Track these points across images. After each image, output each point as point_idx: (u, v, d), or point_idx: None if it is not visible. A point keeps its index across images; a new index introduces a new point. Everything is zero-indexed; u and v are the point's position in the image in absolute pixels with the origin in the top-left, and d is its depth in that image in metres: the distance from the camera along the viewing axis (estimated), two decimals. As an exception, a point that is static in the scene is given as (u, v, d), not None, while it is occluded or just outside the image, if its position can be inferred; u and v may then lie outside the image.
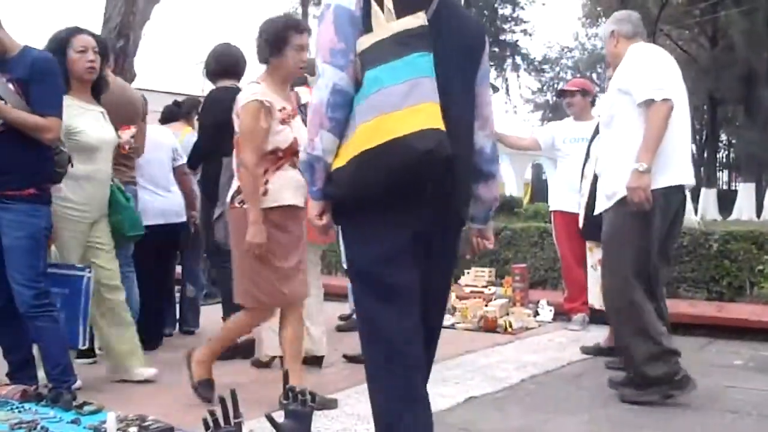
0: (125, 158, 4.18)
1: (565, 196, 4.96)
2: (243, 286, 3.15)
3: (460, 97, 2.01)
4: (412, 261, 1.96)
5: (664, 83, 3.27)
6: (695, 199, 7.33)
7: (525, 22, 31.65)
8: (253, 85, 3.20)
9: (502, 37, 32.14)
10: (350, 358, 3.97)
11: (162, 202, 4.55)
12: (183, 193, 4.76)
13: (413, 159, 1.79)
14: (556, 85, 33.99)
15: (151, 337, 4.22)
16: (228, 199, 3.20)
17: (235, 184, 3.17)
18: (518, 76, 33.91)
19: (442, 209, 1.99)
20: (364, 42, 1.90)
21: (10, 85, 3.03)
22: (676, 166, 3.33)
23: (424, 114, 1.81)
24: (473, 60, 2.10)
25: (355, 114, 1.89)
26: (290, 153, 3.13)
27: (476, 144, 2.13)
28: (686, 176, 3.42)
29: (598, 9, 29.47)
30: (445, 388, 3.48)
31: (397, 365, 1.95)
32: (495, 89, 34.46)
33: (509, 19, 32.37)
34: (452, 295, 5.80)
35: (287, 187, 3.13)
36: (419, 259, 1.98)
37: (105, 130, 3.54)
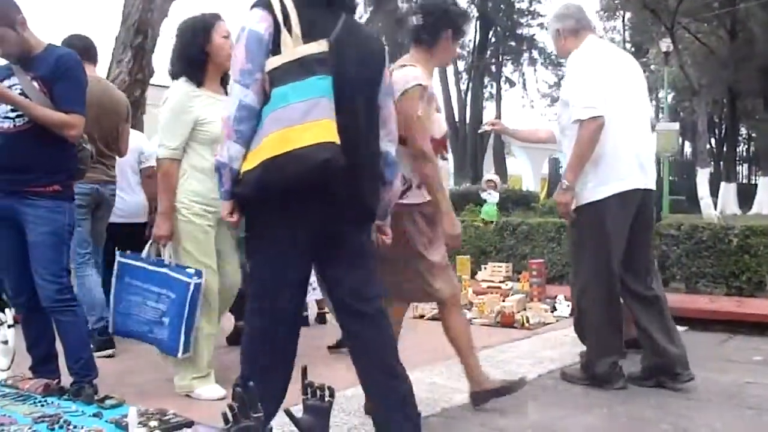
0: (107, 158, 4.29)
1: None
2: (398, 282, 2.96)
3: (363, 111, 2.33)
4: (305, 253, 2.32)
5: (594, 99, 3.27)
6: (714, 194, 7.24)
7: (542, 15, 31.46)
8: (410, 68, 2.95)
9: (518, 31, 31.99)
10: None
11: (121, 202, 4.67)
12: (147, 196, 4.87)
13: (311, 167, 2.10)
14: (573, 79, 33.48)
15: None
16: None
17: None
18: (535, 71, 33.80)
19: (348, 208, 2.30)
20: (274, 62, 2.18)
21: (35, 84, 3.06)
22: (622, 174, 3.38)
23: (321, 129, 2.11)
24: (375, 77, 2.42)
25: (263, 124, 2.17)
26: (442, 143, 3.01)
27: (382, 149, 2.47)
28: (634, 181, 3.42)
29: (616, 2, 29.25)
30: (461, 383, 3.48)
31: (269, 341, 2.33)
32: (512, 84, 34.35)
33: (526, 12, 32.22)
34: (469, 290, 5.80)
35: (444, 180, 2.99)
36: (319, 251, 2.33)
37: None
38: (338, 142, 2.12)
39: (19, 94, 3.03)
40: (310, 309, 5.09)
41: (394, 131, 2.53)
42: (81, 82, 3.18)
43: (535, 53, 32.53)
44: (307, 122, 2.11)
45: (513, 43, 31.49)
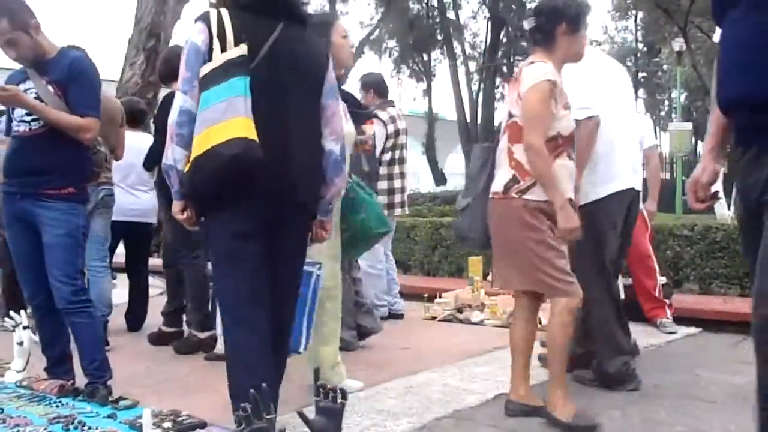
0: (107, 161, 4.35)
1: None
2: (541, 278, 2.92)
3: (296, 110, 2.47)
4: (252, 245, 2.39)
5: (588, 100, 3.29)
6: (728, 194, 7.16)
7: (553, 15, 31.35)
8: (540, 64, 2.94)
9: (530, 31, 31.82)
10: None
11: (133, 201, 4.78)
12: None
13: (222, 163, 2.22)
14: (585, 79, 33.33)
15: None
16: (499, 189, 2.97)
17: (506, 173, 2.96)
18: (546, 71, 33.64)
19: (285, 203, 2.45)
20: (204, 70, 2.35)
21: (50, 87, 3.09)
22: (618, 173, 3.44)
23: (235, 126, 2.25)
24: (314, 79, 2.56)
25: (196, 126, 2.33)
26: (569, 141, 2.97)
27: (325, 148, 2.59)
28: (628, 181, 3.49)
29: (628, 2, 29.10)
30: (473, 385, 3.49)
31: (240, 325, 2.41)
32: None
33: (537, 12, 32.09)
34: (481, 292, 5.79)
35: (566, 179, 2.94)
36: (264, 241, 2.42)
37: (348, 124, 3.29)
38: (252, 137, 2.25)
39: (35, 98, 3.06)
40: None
41: (338, 131, 2.64)
42: (95, 85, 3.20)
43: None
44: (223, 121, 2.26)
45: (524, 44, 31.29)
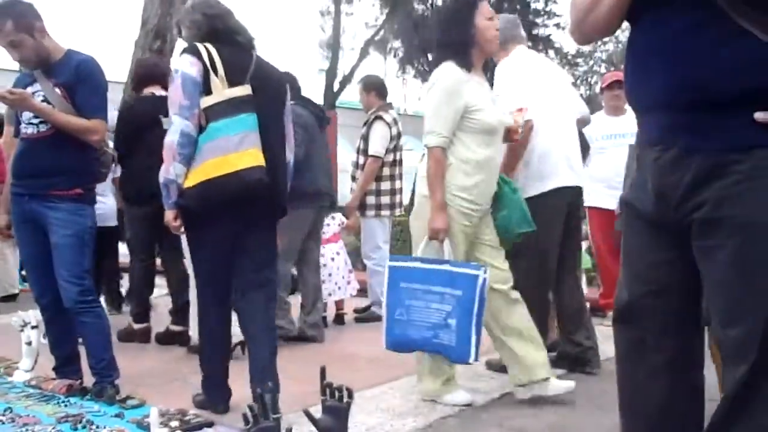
0: None
1: (601, 193, 4.92)
2: None
3: (275, 133, 2.97)
4: (228, 248, 2.95)
5: (524, 104, 3.45)
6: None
7: (558, 15, 31.27)
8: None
9: (534, 32, 31.83)
10: None
11: (100, 206, 4.76)
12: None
13: (249, 183, 2.74)
14: (589, 79, 33.58)
15: None
16: None
17: None
18: (552, 70, 33.63)
19: (265, 210, 2.99)
20: (208, 101, 2.78)
21: (57, 90, 3.11)
22: (552, 172, 3.60)
23: (252, 156, 2.76)
24: (281, 102, 3.06)
25: (202, 151, 2.76)
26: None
27: (287, 158, 3.10)
28: (564, 179, 3.64)
29: (633, 1, 29.04)
30: (480, 384, 3.50)
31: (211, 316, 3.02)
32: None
33: (542, 13, 32.04)
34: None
35: None
36: (240, 241, 2.96)
37: (499, 111, 3.23)
38: (264, 165, 2.77)
39: (42, 100, 3.09)
40: (329, 310, 5.10)
41: (292, 142, 3.16)
42: (102, 88, 3.22)
43: (551, 53, 32.35)
44: (241, 150, 2.74)
45: (529, 44, 31.32)
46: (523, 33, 3.91)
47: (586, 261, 7.29)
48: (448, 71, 3.12)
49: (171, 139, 2.77)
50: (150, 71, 4.64)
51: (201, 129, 2.79)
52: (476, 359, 3.01)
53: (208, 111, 2.77)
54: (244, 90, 2.81)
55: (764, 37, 1.38)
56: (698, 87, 1.49)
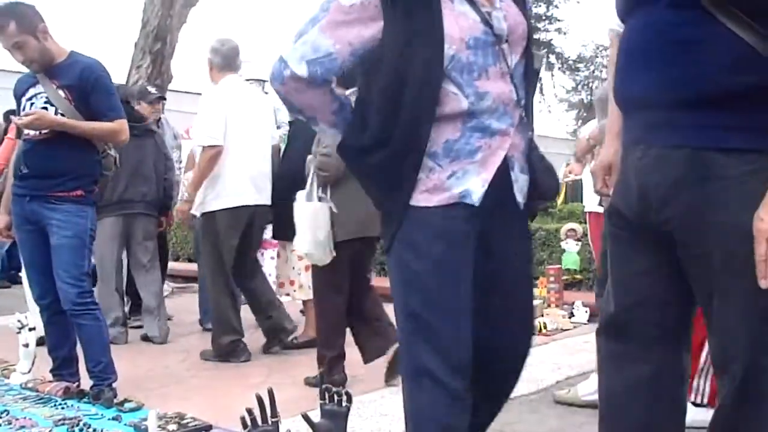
0: None
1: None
2: None
3: None
4: None
5: (215, 131, 4.03)
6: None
7: (559, 20, 31.33)
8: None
9: (535, 36, 31.86)
10: None
11: None
12: None
13: None
14: (591, 84, 33.63)
15: None
16: None
17: None
18: (552, 75, 33.59)
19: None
20: None
21: (61, 92, 3.10)
22: (234, 191, 4.09)
23: None
24: None
25: None
26: None
27: None
28: (246, 198, 4.13)
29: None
30: (479, 389, 3.47)
31: None
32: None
33: (543, 18, 32.12)
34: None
35: None
36: None
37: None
38: None
39: (45, 102, 3.09)
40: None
41: None
42: (112, 88, 3.26)
43: (552, 58, 32.39)
44: None
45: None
46: (238, 62, 4.33)
47: (574, 262, 7.34)
48: None
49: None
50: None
51: None
52: None
53: None
54: None
55: (748, 37, 1.37)
56: (681, 86, 1.47)
